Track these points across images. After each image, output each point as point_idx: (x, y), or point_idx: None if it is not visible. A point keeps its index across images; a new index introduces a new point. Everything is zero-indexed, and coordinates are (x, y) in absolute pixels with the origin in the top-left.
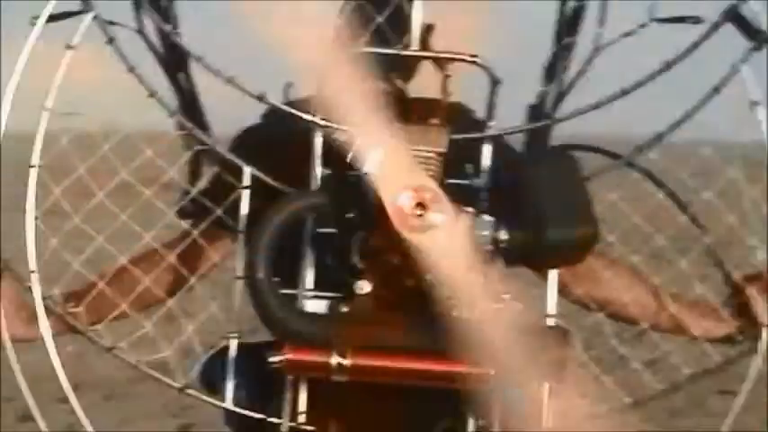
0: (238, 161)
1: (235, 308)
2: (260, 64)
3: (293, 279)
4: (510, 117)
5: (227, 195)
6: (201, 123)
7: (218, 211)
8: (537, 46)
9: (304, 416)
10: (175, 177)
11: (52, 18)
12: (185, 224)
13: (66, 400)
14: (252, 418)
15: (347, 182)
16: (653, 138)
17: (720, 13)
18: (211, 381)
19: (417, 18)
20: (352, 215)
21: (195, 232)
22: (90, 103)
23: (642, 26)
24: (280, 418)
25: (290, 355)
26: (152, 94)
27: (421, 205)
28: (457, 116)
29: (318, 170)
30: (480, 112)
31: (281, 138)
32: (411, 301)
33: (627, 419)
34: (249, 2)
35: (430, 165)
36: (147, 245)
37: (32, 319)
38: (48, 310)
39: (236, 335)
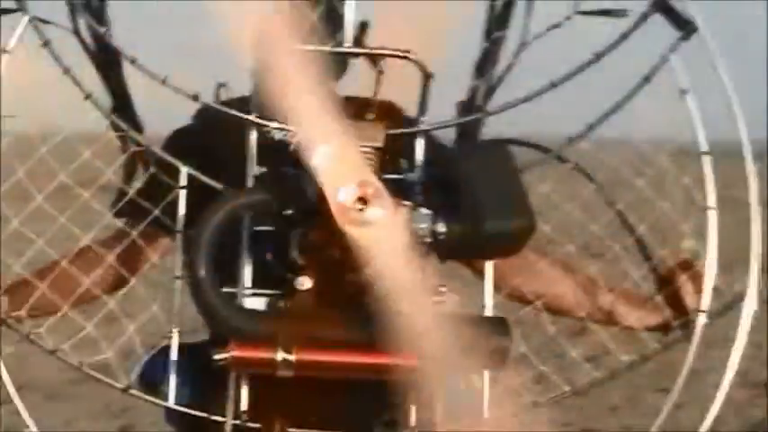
0: (175, 161)
1: (174, 308)
2: (193, 64)
3: (233, 277)
4: (443, 116)
5: (164, 195)
6: (135, 124)
7: (156, 212)
8: (467, 44)
9: (245, 414)
10: (113, 179)
11: None
12: (120, 223)
13: (8, 401)
14: (193, 416)
15: (284, 178)
16: (584, 129)
17: (649, 4)
18: (152, 381)
19: (350, 15)
20: (290, 212)
21: (134, 233)
22: (28, 106)
23: (568, 18)
24: (223, 416)
25: (235, 352)
26: (88, 96)
27: (362, 200)
28: (389, 113)
29: (254, 168)
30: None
31: (213, 138)
32: (352, 295)
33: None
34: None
35: (368, 160)
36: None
37: None
38: None
39: (176, 331)
